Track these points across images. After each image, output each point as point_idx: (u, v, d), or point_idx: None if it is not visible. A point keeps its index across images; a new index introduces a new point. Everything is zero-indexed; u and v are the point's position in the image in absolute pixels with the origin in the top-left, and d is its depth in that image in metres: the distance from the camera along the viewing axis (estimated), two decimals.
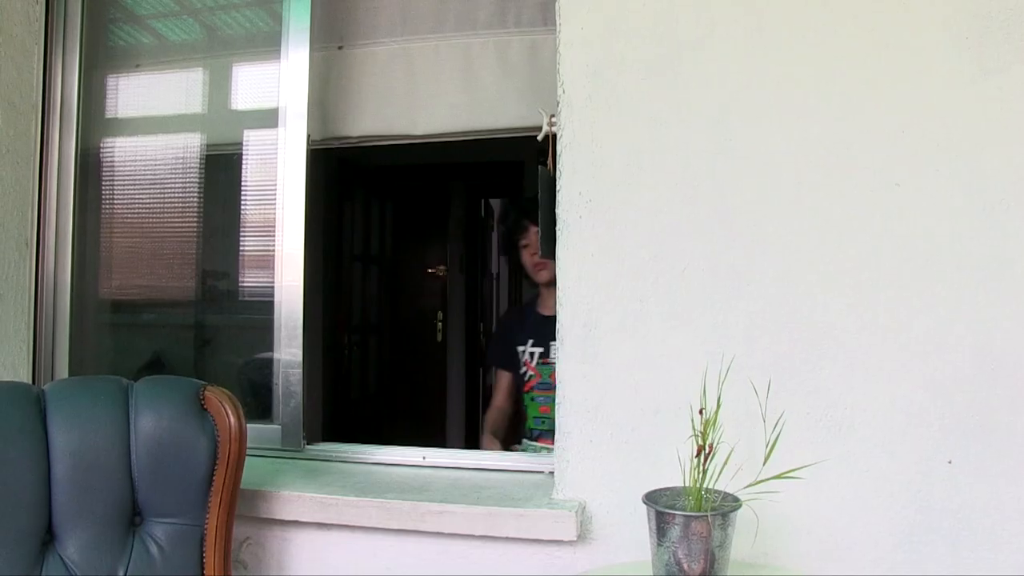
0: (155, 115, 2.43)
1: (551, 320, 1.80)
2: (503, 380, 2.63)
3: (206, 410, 1.62)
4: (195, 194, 2.40)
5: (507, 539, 1.65)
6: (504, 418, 2.57)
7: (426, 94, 2.13)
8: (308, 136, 2.05)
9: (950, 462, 1.53)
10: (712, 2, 1.63)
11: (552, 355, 2.26)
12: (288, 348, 2.05)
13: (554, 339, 1.81)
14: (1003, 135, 1.52)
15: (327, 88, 2.21)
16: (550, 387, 2.27)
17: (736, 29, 1.62)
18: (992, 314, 1.52)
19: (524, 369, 2.51)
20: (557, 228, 1.68)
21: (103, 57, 2.37)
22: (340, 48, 2.21)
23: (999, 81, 1.52)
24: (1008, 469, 1.50)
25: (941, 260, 1.54)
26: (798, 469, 1.37)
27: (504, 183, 5.59)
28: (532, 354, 2.49)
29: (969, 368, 1.53)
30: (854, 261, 1.57)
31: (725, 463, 1.39)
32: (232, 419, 1.61)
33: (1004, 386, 1.51)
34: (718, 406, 1.41)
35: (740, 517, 1.39)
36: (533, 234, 2.37)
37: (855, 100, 1.58)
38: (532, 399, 2.48)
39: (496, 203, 6.38)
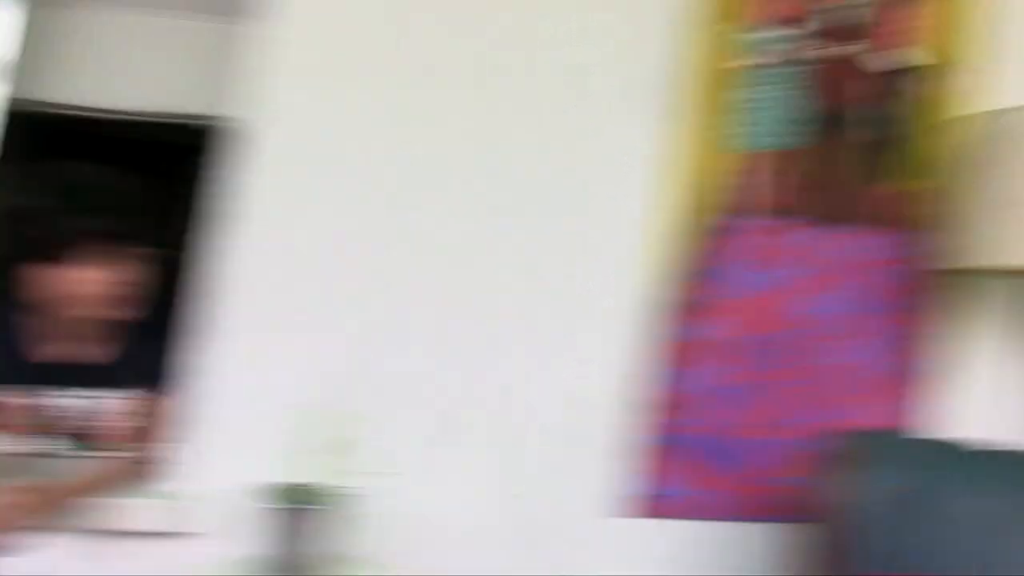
0: None
1: (53, 369, 1.63)
2: None
3: None
4: None
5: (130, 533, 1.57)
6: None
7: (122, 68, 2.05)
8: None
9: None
10: None
11: (59, 410, 1.68)
12: None
13: (53, 389, 1.63)
14: None
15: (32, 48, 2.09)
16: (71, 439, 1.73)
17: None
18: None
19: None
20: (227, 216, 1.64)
21: None
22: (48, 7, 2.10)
23: None
24: None
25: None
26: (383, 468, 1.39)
27: None
28: (24, 406, 1.70)
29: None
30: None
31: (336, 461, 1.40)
32: None
33: None
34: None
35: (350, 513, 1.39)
36: (97, 252, 1.54)
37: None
38: None
39: None
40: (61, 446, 1.75)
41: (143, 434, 1.66)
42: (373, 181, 1.63)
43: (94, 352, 1.67)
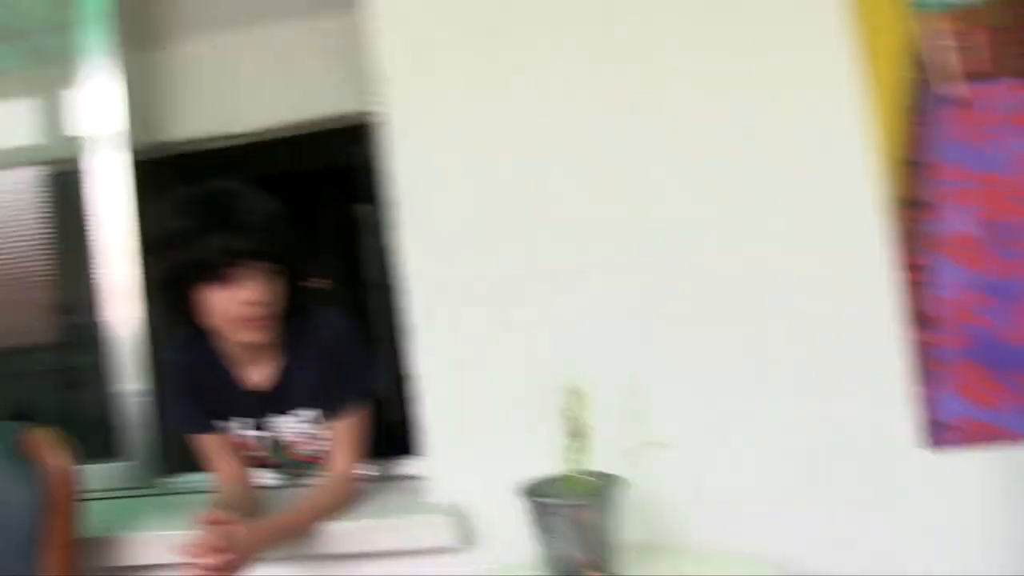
0: None
1: (266, 395, 1.62)
2: (214, 443, 1.66)
3: (26, 455, 1.43)
4: (28, 229, 2.25)
5: (387, 553, 1.52)
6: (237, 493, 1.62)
7: (243, 89, 1.99)
8: (130, 146, 1.90)
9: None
10: None
11: (279, 434, 1.67)
12: (133, 379, 1.90)
13: (269, 416, 1.63)
14: None
15: (144, 92, 2.03)
16: (294, 465, 1.72)
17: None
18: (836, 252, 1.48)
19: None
20: (392, 213, 1.56)
21: None
22: (153, 50, 2.04)
23: None
24: None
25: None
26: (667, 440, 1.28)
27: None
28: (252, 437, 1.67)
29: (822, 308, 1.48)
30: (671, 231, 1.51)
31: (600, 444, 1.30)
32: (58, 461, 1.44)
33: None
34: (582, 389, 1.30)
35: (629, 499, 1.30)
36: (250, 271, 1.48)
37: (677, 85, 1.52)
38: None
39: (367, 209, 6.18)
40: (289, 473, 1.76)
41: (344, 453, 1.61)
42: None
43: (266, 373, 1.63)
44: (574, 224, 1.53)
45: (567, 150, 1.54)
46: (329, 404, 1.61)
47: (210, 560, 1.26)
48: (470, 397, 1.54)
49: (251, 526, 1.37)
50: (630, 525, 1.32)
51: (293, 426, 1.64)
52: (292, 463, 1.71)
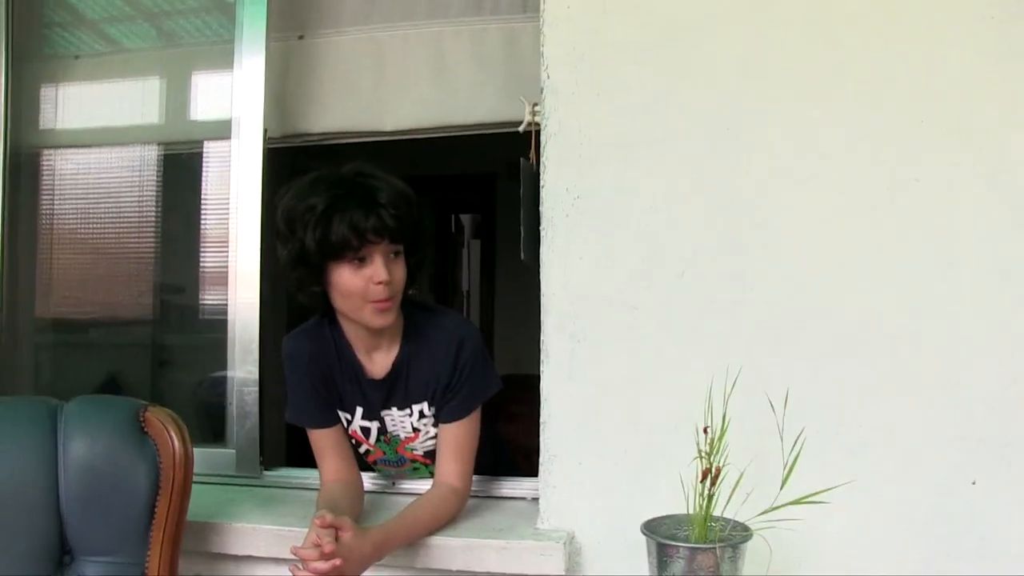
0: (100, 126, 2.27)
1: (383, 385, 1.61)
2: (327, 441, 1.63)
3: (147, 434, 1.43)
4: (147, 208, 2.25)
5: (488, 574, 1.48)
6: (346, 493, 1.58)
7: (394, 87, 1.97)
8: (265, 131, 1.89)
9: (974, 483, 1.39)
10: None
11: (392, 429, 1.66)
12: (244, 366, 1.89)
13: (386, 409, 1.63)
14: None
15: (286, 81, 2.04)
16: (401, 461, 1.73)
17: (740, 8, 1.49)
18: (1018, 323, 1.39)
19: (355, 441, 1.71)
20: (541, 228, 1.53)
21: (38, 62, 2.20)
22: (301, 38, 2.04)
23: None
24: None
25: (963, 262, 1.41)
26: (821, 492, 1.22)
27: (475, 197, 5.43)
28: (367, 430, 1.67)
29: (992, 381, 1.40)
30: (868, 264, 1.44)
31: (735, 488, 1.24)
32: (176, 443, 1.43)
33: None
34: (724, 423, 1.25)
35: (749, 548, 1.24)
36: (378, 250, 1.48)
37: (869, 87, 1.45)
38: (376, 467, 1.80)
39: (467, 218, 6.22)
40: (398, 472, 1.75)
41: (453, 461, 1.58)
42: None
43: (385, 363, 1.61)
44: (740, 260, 1.48)
45: (750, 171, 1.49)
46: (444, 404, 1.59)
47: (320, 565, 1.25)
48: (600, 424, 1.50)
49: (361, 533, 1.35)
50: None
51: (407, 420, 1.63)
52: (402, 461, 1.71)
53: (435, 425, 1.63)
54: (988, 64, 1.42)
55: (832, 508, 1.32)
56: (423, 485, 1.70)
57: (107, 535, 1.40)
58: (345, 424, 1.66)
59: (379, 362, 1.61)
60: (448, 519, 1.54)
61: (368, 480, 1.76)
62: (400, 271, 1.51)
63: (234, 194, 1.92)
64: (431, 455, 1.66)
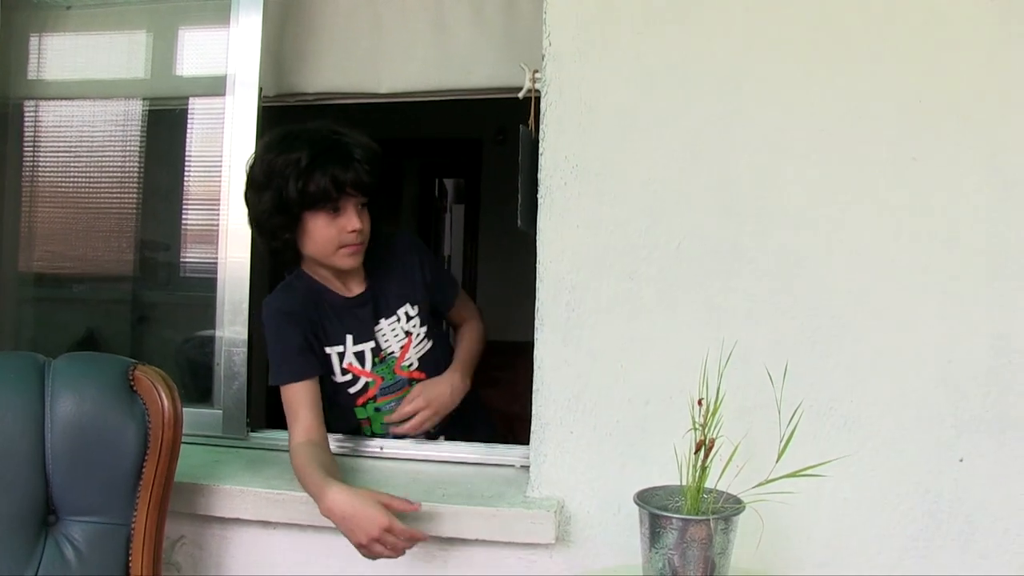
0: (89, 78, 2.22)
1: (360, 302, 1.74)
2: (301, 396, 1.63)
3: (136, 392, 1.42)
4: (132, 162, 2.22)
5: (476, 541, 1.49)
6: (326, 453, 1.60)
7: (392, 49, 1.93)
8: (260, 90, 1.87)
9: (961, 460, 1.41)
10: None
11: (386, 345, 1.75)
12: (232, 326, 1.87)
13: (376, 324, 1.74)
14: None
15: (283, 38, 2.00)
16: (399, 385, 1.76)
17: None
18: (1012, 302, 1.40)
19: (350, 377, 1.75)
20: (539, 195, 1.51)
21: (29, 10, 2.14)
22: None
23: None
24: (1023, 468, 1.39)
25: (959, 241, 1.41)
26: (817, 466, 1.22)
27: (460, 161, 5.39)
28: (361, 355, 1.73)
29: (985, 360, 1.40)
30: (866, 242, 1.44)
31: (729, 460, 1.25)
32: (166, 402, 1.41)
33: (1021, 381, 1.39)
34: (718, 396, 1.25)
35: (741, 521, 1.24)
36: (352, 202, 1.61)
37: (869, 66, 1.43)
38: (376, 409, 1.78)
39: (450, 183, 6.18)
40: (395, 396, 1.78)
41: (469, 311, 1.93)
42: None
43: (360, 282, 1.77)
44: (738, 233, 1.47)
45: (750, 145, 1.48)
46: (433, 298, 1.82)
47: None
48: (593, 394, 1.50)
49: (442, 378, 1.74)
50: (742, 549, 1.27)
51: (398, 326, 1.76)
52: (400, 384, 1.76)
53: (423, 325, 1.78)
54: (988, 44, 1.41)
55: (823, 482, 1.34)
56: (411, 449, 1.71)
57: (93, 495, 1.39)
58: (338, 361, 1.73)
59: (354, 287, 1.75)
60: (485, 336, 1.88)
61: (358, 445, 1.78)
62: (367, 220, 1.67)
63: (227, 152, 1.90)
64: (426, 365, 1.77)
